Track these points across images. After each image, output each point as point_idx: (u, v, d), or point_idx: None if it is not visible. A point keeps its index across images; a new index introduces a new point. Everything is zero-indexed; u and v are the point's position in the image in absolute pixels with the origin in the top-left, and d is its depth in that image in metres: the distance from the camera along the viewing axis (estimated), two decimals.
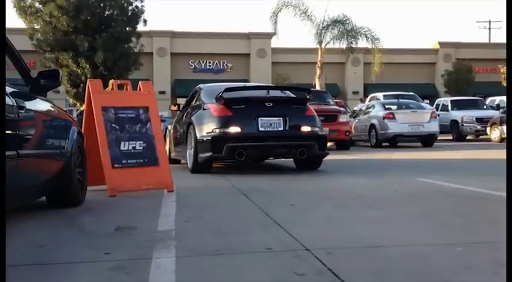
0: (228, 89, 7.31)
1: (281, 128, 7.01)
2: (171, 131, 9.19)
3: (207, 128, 7.04)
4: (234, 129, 6.92)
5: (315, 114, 7.54)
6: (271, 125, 6.98)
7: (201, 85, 8.63)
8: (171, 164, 8.31)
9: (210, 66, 37.75)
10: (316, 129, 7.32)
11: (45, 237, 3.32)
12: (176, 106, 9.62)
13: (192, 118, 7.62)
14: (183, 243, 3.00)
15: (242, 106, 7.10)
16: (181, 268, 2.50)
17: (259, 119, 6.94)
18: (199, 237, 3.18)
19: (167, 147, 9.03)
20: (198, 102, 8.00)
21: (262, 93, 7.51)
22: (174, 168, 7.81)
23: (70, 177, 4.35)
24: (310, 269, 2.43)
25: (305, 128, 7.20)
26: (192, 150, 7.31)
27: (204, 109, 7.44)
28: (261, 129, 6.94)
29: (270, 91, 7.51)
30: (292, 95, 7.88)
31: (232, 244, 2.98)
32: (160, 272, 2.43)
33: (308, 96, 7.61)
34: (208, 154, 6.94)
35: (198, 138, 7.12)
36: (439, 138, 15.89)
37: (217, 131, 6.92)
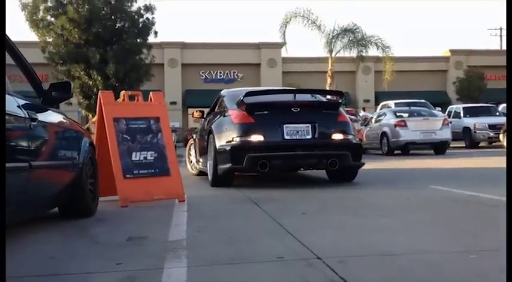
0: (249, 93, 6.68)
1: (309, 136, 6.36)
2: (196, 140, 8.63)
3: (227, 137, 6.45)
4: (257, 138, 6.30)
5: (349, 120, 6.89)
6: (298, 132, 6.35)
7: (225, 90, 8.05)
8: (198, 176, 8.30)
9: (220, 76, 37.93)
10: (350, 137, 6.64)
11: (57, 248, 3.33)
12: (199, 113, 9.03)
13: (212, 126, 7.06)
14: (194, 253, 3.00)
15: (265, 112, 6.49)
16: (193, 278, 2.49)
17: (285, 126, 6.32)
18: (210, 247, 3.18)
19: (193, 158, 8.78)
20: (220, 109, 7.44)
21: (288, 97, 6.86)
22: (197, 179, 7.91)
23: (82, 188, 4.37)
24: (322, 277, 2.42)
25: (337, 136, 6.50)
26: (212, 161, 6.73)
27: (224, 116, 6.86)
28: (286, 137, 6.31)
29: (297, 95, 6.83)
30: (323, 99, 7.27)
31: (243, 253, 2.97)
32: None
33: (341, 100, 6.96)
34: (228, 165, 6.30)
35: (217, 147, 6.51)
36: (451, 145, 15.77)
37: (238, 139, 6.30)
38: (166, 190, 5.43)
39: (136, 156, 5.39)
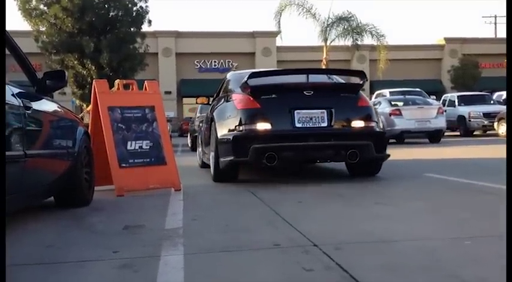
0: (254, 74, 5.83)
1: (325, 124, 5.51)
2: (202, 129, 7.75)
3: (229, 125, 5.66)
4: (263, 126, 5.47)
5: (371, 105, 6.01)
6: (311, 119, 5.50)
7: (231, 72, 7.16)
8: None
9: (215, 65, 37.84)
10: (372, 124, 5.75)
11: (54, 237, 3.33)
12: (205, 98, 8.11)
13: (214, 113, 6.29)
14: (191, 241, 3.01)
15: (273, 96, 5.66)
16: (190, 265, 2.50)
17: (296, 112, 5.49)
18: (207, 235, 3.18)
19: (200, 149, 8.17)
20: (224, 93, 6.65)
21: (299, 78, 6.00)
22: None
23: (77, 177, 4.36)
24: (319, 264, 2.43)
25: (357, 123, 5.64)
26: (213, 152, 5.98)
27: (228, 101, 6.05)
28: (298, 125, 5.48)
29: (310, 76, 5.99)
30: (340, 80, 6.40)
31: (240, 241, 2.97)
32: (169, 270, 2.44)
33: (361, 82, 5.98)
34: (230, 158, 5.51)
35: (218, 137, 5.75)
36: (446, 133, 15.82)
37: (241, 128, 5.50)
38: (162, 179, 5.43)
39: (131, 145, 5.38)
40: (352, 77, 6.54)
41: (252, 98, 5.61)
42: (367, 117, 5.74)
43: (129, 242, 3.05)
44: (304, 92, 5.65)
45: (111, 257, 2.69)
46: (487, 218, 3.46)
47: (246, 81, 5.68)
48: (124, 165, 5.27)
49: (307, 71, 6.16)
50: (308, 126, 5.51)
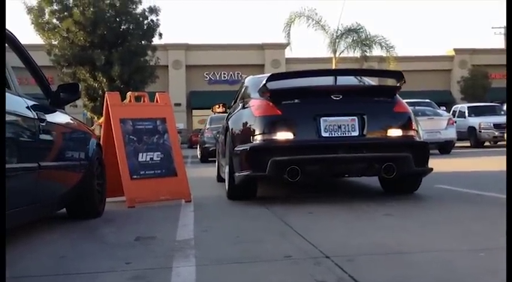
0: (274, 76, 5.21)
1: (356, 133, 4.82)
2: (219, 141, 7.11)
3: (246, 135, 5.04)
4: (284, 136, 4.80)
5: (409, 110, 5.17)
6: (340, 128, 4.82)
7: (249, 76, 6.47)
8: (220, 182, 6.97)
9: (224, 77, 38.02)
10: (411, 133, 5.02)
11: (67, 248, 3.35)
12: (222, 106, 7.30)
13: (229, 121, 5.76)
14: (202, 252, 3.01)
15: (296, 101, 5.02)
16: (202, 277, 2.50)
17: (322, 119, 4.81)
18: (218, 246, 3.19)
19: (217, 162, 7.48)
20: (241, 100, 5.98)
21: (326, 80, 5.40)
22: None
23: (90, 188, 4.39)
24: (331, 276, 2.42)
25: (394, 132, 4.92)
26: (228, 166, 5.36)
27: (244, 107, 5.41)
28: (324, 134, 4.80)
29: (339, 77, 5.40)
30: (373, 83, 5.80)
31: (251, 252, 2.98)
32: (181, 281, 2.44)
33: (398, 84, 5.23)
34: (246, 172, 4.87)
35: (234, 149, 5.15)
36: (456, 145, 15.73)
37: (259, 138, 4.85)
38: (173, 190, 5.45)
39: (142, 157, 5.41)
40: (387, 77, 5.74)
41: (271, 104, 4.93)
42: (406, 125, 5.01)
43: (141, 253, 3.06)
44: (332, 97, 4.93)
45: (123, 268, 2.70)
46: (500, 230, 3.44)
47: (264, 85, 5.00)
48: (135, 176, 5.30)
49: (335, 72, 5.62)
50: (336, 135, 4.81)
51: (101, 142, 5.40)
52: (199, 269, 2.64)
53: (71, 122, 4.27)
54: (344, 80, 5.53)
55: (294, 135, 4.81)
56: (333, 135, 4.81)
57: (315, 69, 6.39)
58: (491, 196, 5.06)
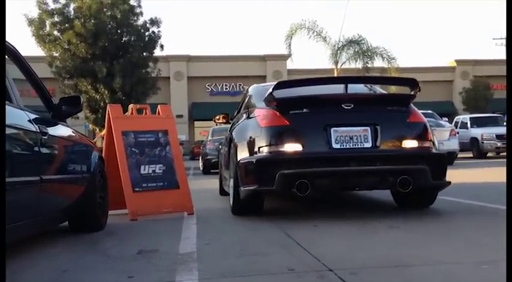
0: (281, 84, 4.99)
1: (369, 144, 4.58)
2: (222, 152, 6.87)
3: (251, 146, 4.75)
4: (292, 147, 4.54)
5: (425, 120, 4.92)
6: (352, 139, 4.57)
7: (253, 85, 6.21)
8: (223, 195, 6.87)
9: (226, 88, 38.12)
10: (427, 144, 4.76)
11: (69, 261, 3.34)
12: (224, 117, 7.09)
13: (233, 132, 5.55)
14: (205, 266, 3.00)
15: (305, 110, 4.74)
16: None
17: (333, 129, 4.56)
18: (221, 259, 3.17)
19: (220, 175, 7.27)
20: (245, 109, 5.73)
21: (336, 88, 5.10)
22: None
23: (92, 201, 4.38)
24: None
25: (409, 143, 4.66)
26: (233, 179, 5.12)
27: (249, 117, 5.18)
28: (335, 146, 4.54)
29: (350, 85, 5.12)
30: (383, 91, 5.58)
31: (254, 265, 2.96)
32: None
33: (413, 92, 4.93)
34: (253, 187, 4.60)
35: (239, 161, 4.86)
36: (459, 156, 15.71)
37: (266, 150, 4.58)
38: (175, 203, 5.44)
39: (145, 170, 5.41)
40: (401, 86, 5.41)
41: (278, 113, 4.68)
42: (422, 136, 4.73)
43: (143, 267, 3.05)
44: (343, 106, 4.69)
45: None
46: (503, 242, 3.42)
47: (271, 93, 4.75)
48: (137, 189, 5.29)
49: (346, 80, 5.24)
50: (348, 147, 4.56)
51: (103, 155, 5.40)
52: None
53: (73, 134, 4.27)
54: (355, 88, 5.26)
55: (303, 146, 4.54)
56: (345, 146, 4.56)
57: (324, 77, 6.10)
58: (495, 208, 5.04)
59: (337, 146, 4.54)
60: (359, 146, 4.57)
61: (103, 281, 2.74)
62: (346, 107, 4.69)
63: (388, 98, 5.25)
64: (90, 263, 3.24)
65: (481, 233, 3.77)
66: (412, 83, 4.96)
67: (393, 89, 23.64)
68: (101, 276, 2.87)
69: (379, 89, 5.64)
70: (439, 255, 3.05)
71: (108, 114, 5.56)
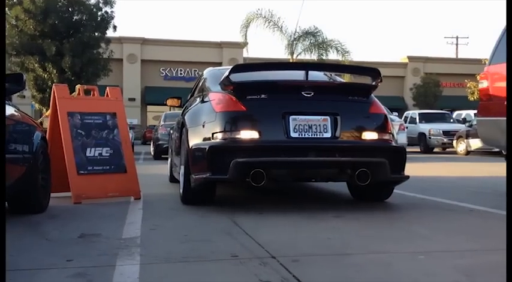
0: (238, 67, 4.69)
1: (328, 134, 4.42)
2: (173, 138, 6.57)
3: (205, 132, 4.51)
4: (249, 134, 4.32)
5: (386, 112, 4.83)
6: (311, 128, 4.39)
7: (209, 68, 5.93)
8: (173, 183, 6.62)
9: (181, 74, 37.68)
10: (387, 136, 4.63)
11: (7, 243, 3.22)
12: (176, 100, 6.79)
13: (185, 117, 5.23)
14: (148, 251, 2.96)
15: (263, 96, 4.51)
16: (145, 275, 2.46)
17: (292, 117, 4.38)
18: (164, 245, 3.14)
19: (169, 161, 7.08)
20: (199, 93, 5.48)
21: (296, 75, 4.84)
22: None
23: (33, 182, 4.25)
24: (276, 276, 2.43)
25: (369, 135, 4.53)
26: (184, 167, 4.84)
27: (203, 101, 4.95)
28: (293, 135, 4.36)
29: (311, 72, 4.81)
30: (342, 80, 5.32)
31: (198, 251, 2.95)
32: (124, 279, 2.40)
33: (374, 82, 4.83)
34: (205, 175, 4.36)
35: (190, 148, 4.61)
36: (407, 150, 16.11)
37: (220, 136, 4.35)
38: (122, 187, 5.35)
39: (90, 152, 5.28)
40: (363, 75, 5.22)
41: (235, 98, 4.45)
42: (382, 128, 4.61)
43: (84, 251, 2.98)
44: (303, 93, 4.50)
45: (64, 266, 2.63)
46: (441, 233, 3.54)
47: (227, 77, 4.48)
48: (82, 172, 5.16)
49: (307, 66, 4.94)
50: (307, 136, 4.38)
51: (47, 135, 5.24)
52: (144, 267, 2.60)
53: (15, 113, 4.12)
54: (315, 76, 5.01)
55: (260, 134, 4.33)
56: (303, 136, 4.37)
57: (284, 62, 5.92)
58: (436, 201, 5.21)
59: (296, 135, 4.36)
60: (318, 136, 4.40)
61: (40, 265, 2.66)
62: (306, 95, 4.50)
63: (349, 87, 5.07)
64: (28, 246, 3.15)
65: (421, 225, 3.88)
66: (375, 73, 4.84)
67: (348, 78, 24.02)
68: (38, 259, 2.79)
69: (338, 78, 5.51)
70: (379, 245, 3.12)
71: (54, 94, 5.39)
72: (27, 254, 2.92)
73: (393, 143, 4.70)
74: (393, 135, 4.73)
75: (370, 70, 4.94)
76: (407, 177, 4.69)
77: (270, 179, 4.24)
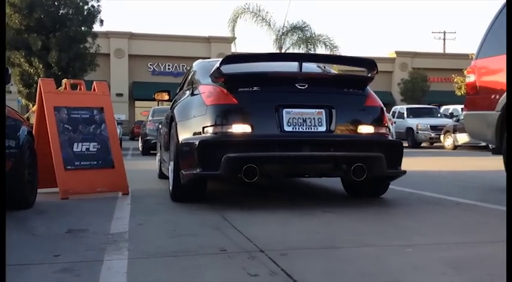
0: (230, 59, 4.50)
1: (323, 128, 4.27)
2: (162, 133, 6.46)
3: (195, 126, 4.36)
4: (240, 128, 4.17)
5: (382, 105, 4.68)
6: (305, 121, 4.24)
7: (198, 61, 5.74)
8: (162, 179, 6.63)
9: (169, 69, 37.53)
10: (384, 130, 4.51)
11: None
12: (165, 93, 6.56)
13: (174, 110, 5.09)
14: (136, 246, 2.95)
15: (255, 88, 4.32)
16: (133, 270, 2.45)
17: (285, 111, 4.23)
18: (153, 240, 3.13)
19: (158, 156, 7.00)
20: (189, 86, 5.29)
21: (289, 66, 4.69)
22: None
23: (19, 178, 4.22)
24: (264, 269, 2.43)
25: (365, 129, 4.39)
26: (173, 162, 4.75)
27: (193, 94, 4.74)
28: (287, 128, 4.21)
29: (305, 64, 4.67)
30: (335, 72, 5.24)
31: (186, 246, 2.94)
32: (111, 274, 2.38)
33: (370, 74, 4.67)
34: (195, 171, 4.20)
35: (180, 143, 4.48)
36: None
37: (211, 130, 4.19)
38: (110, 183, 5.31)
39: (78, 147, 5.24)
40: (358, 67, 5.01)
41: (226, 91, 4.25)
42: (378, 122, 4.48)
43: (71, 246, 2.96)
44: (297, 85, 4.33)
45: (52, 261, 2.61)
46: (429, 226, 3.56)
47: (218, 68, 4.28)
48: (69, 167, 5.13)
49: (300, 57, 4.75)
50: (301, 130, 4.23)
51: (34, 130, 5.19)
52: (132, 262, 2.59)
53: None
54: (308, 68, 4.86)
55: (252, 128, 4.16)
56: (297, 129, 4.22)
57: (277, 52, 5.75)
58: (425, 195, 5.25)
59: (289, 129, 4.21)
60: (312, 130, 4.25)
61: (28, 260, 2.64)
62: (300, 87, 4.32)
63: (344, 79, 4.90)
64: (16, 242, 3.11)
65: (409, 218, 3.91)
66: (371, 65, 4.67)
67: (336, 69, 24.02)
68: (26, 255, 2.76)
69: (332, 70, 5.39)
70: (368, 239, 3.14)
71: (40, 89, 5.34)
72: (14, 250, 2.88)
73: (390, 137, 4.59)
74: (389, 129, 4.59)
75: (367, 61, 4.77)
76: (404, 172, 4.54)
77: (262, 175, 4.08)
